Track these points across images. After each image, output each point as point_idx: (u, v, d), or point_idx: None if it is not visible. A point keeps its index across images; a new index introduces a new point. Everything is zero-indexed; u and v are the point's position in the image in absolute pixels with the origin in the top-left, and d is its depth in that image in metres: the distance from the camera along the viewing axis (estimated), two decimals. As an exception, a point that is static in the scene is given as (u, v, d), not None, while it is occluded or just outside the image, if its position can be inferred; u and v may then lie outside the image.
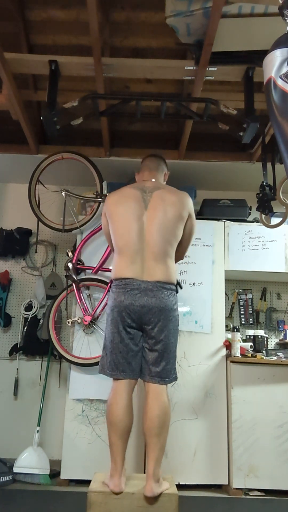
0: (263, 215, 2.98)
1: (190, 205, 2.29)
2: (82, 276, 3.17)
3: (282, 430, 2.90)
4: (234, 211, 3.51)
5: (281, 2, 1.50)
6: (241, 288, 3.76)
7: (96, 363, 2.92)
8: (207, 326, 3.14)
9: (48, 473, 3.00)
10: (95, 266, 3.12)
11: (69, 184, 3.37)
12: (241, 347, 3.09)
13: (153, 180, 2.39)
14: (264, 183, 2.80)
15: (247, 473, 2.82)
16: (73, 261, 3.12)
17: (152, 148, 3.44)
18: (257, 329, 3.60)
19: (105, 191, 3.24)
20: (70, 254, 3.17)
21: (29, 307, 3.63)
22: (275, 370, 2.98)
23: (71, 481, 2.92)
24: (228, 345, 3.10)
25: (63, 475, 2.90)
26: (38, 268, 3.78)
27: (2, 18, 2.58)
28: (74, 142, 3.40)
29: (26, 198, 3.27)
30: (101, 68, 2.48)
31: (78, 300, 3.09)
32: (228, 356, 3.08)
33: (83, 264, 3.19)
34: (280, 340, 3.58)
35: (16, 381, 3.53)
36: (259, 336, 3.32)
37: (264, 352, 3.23)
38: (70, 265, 3.10)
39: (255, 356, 3.06)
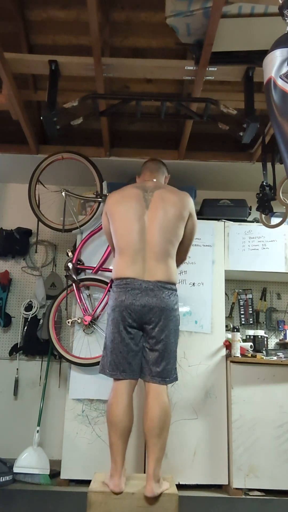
0: (263, 215, 2.98)
1: (190, 205, 2.29)
2: (82, 276, 3.17)
3: (282, 430, 2.90)
4: (234, 211, 3.51)
5: (281, 2, 1.50)
6: (241, 288, 3.76)
7: (96, 363, 2.93)
8: (207, 326, 3.14)
9: (48, 473, 3.00)
10: (95, 266, 3.12)
11: (69, 184, 3.37)
12: (241, 347, 3.09)
13: (154, 180, 2.39)
14: (264, 183, 2.80)
15: (247, 473, 2.82)
16: (73, 261, 3.12)
17: (152, 148, 3.46)
18: (257, 329, 3.60)
19: (105, 191, 3.24)
20: (70, 254, 3.17)
21: (29, 307, 3.63)
22: (275, 370, 2.98)
23: (71, 481, 2.92)
24: (228, 345, 3.10)
25: (63, 475, 2.90)
26: (38, 268, 3.78)
27: (2, 18, 2.58)
28: (74, 142, 3.40)
29: (26, 198, 3.27)
30: (101, 68, 2.48)
31: (78, 300, 3.09)
32: (228, 356, 3.08)
33: (83, 264, 3.19)
34: (280, 340, 3.58)
35: (16, 381, 3.53)
36: (259, 336, 3.32)
37: (264, 352, 3.23)
38: (70, 265, 3.10)
39: (255, 356, 3.06)
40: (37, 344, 3.52)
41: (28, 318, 3.59)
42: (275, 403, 2.93)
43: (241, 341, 3.15)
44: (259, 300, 3.75)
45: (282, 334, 3.59)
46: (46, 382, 3.43)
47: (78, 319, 3.07)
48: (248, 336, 3.38)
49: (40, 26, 2.66)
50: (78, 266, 3.15)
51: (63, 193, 3.24)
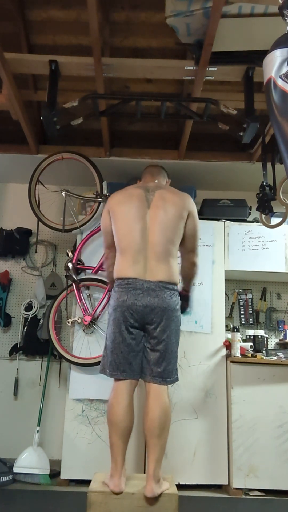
0: (263, 215, 2.98)
1: (190, 204, 2.29)
2: (82, 276, 3.17)
3: (282, 430, 2.90)
4: (234, 211, 3.51)
5: (281, 2, 1.50)
6: (241, 288, 3.76)
7: (96, 363, 2.93)
8: (207, 326, 3.13)
9: (48, 473, 3.00)
10: (95, 266, 3.12)
11: (69, 184, 3.37)
12: (241, 347, 3.09)
13: (156, 182, 2.41)
14: (264, 183, 2.80)
15: (247, 473, 2.82)
16: (73, 261, 3.13)
17: (152, 148, 3.46)
18: (257, 329, 3.60)
19: (105, 191, 3.24)
20: (70, 254, 3.18)
21: (29, 307, 3.63)
22: (275, 370, 2.98)
23: (71, 481, 2.92)
24: (228, 345, 3.10)
25: (63, 475, 2.90)
26: (38, 268, 3.78)
27: (2, 18, 2.58)
28: (74, 142, 3.40)
29: (26, 198, 3.27)
30: (101, 68, 2.48)
31: (78, 300, 3.09)
32: (228, 356, 3.08)
33: (83, 264, 3.19)
34: (280, 340, 3.58)
35: (16, 381, 3.52)
36: (259, 336, 3.32)
37: (264, 352, 3.23)
38: (70, 265, 3.10)
39: (255, 356, 3.06)
40: (37, 344, 3.52)
41: (28, 318, 3.59)
42: (275, 403, 2.93)
43: (241, 341, 3.15)
44: (259, 300, 3.75)
45: (282, 334, 3.59)
46: (46, 382, 3.43)
47: (78, 319, 3.07)
48: (248, 336, 3.38)
49: (40, 26, 2.66)
50: (78, 266, 3.16)
51: (63, 193, 3.24)
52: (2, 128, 3.35)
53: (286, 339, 3.52)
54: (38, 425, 3.22)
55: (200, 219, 2.38)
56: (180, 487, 2.52)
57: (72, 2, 2.52)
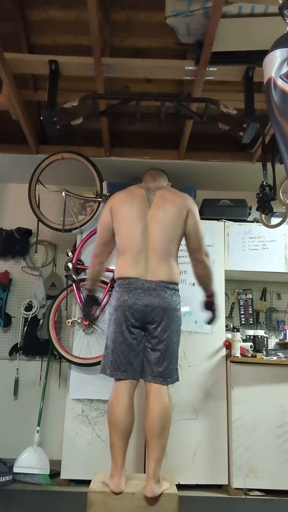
0: (263, 215, 2.98)
1: (190, 203, 2.29)
2: (82, 276, 3.16)
3: (282, 430, 2.90)
4: (234, 211, 3.51)
5: (281, 2, 1.50)
6: (241, 288, 3.76)
7: (96, 363, 2.93)
8: (207, 326, 3.12)
9: (48, 473, 3.00)
10: (95, 266, 3.12)
11: (69, 184, 3.37)
12: (241, 347, 3.09)
13: (157, 183, 2.42)
14: (264, 183, 2.80)
15: (247, 473, 2.82)
16: (73, 261, 3.13)
17: (152, 148, 3.46)
18: (257, 329, 3.60)
19: (105, 191, 3.24)
20: (70, 254, 3.18)
21: (29, 307, 3.63)
22: (275, 370, 2.98)
23: (71, 481, 2.92)
24: (228, 345, 3.10)
25: (63, 475, 2.90)
26: (38, 268, 3.78)
27: (2, 18, 2.58)
28: (74, 142, 3.40)
29: (26, 198, 3.27)
30: (101, 68, 2.48)
31: (78, 300, 3.09)
32: (228, 356, 3.08)
33: (83, 264, 3.19)
34: (280, 340, 3.58)
35: (16, 381, 3.52)
36: (259, 336, 3.32)
37: (264, 352, 3.23)
38: (70, 265, 3.10)
39: (255, 356, 3.06)
40: (37, 344, 3.52)
41: (28, 318, 3.59)
42: (275, 403, 2.93)
43: (241, 341, 3.15)
44: (259, 300, 3.75)
45: (282, 334, 3.59)
46: (46, 382, 3.43)
47: (78, 319, 3.07)
48: (248, 336, 3.38)
49: (40, 26, 2.66)
50: (78, 266, 3.15)
51: (63, 193, 3.24)
52: (2, 128, 3.35)
53: (286, 339, 3.52)
54: (38, 425, 3.22)
55: (200, 219, 2.37)
56: (180, 487, 2.52)
57: (72, 2, 2.52)
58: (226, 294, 3.32)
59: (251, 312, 3.70)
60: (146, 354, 2.11)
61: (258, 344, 3.28)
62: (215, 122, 2.63)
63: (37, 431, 3.18)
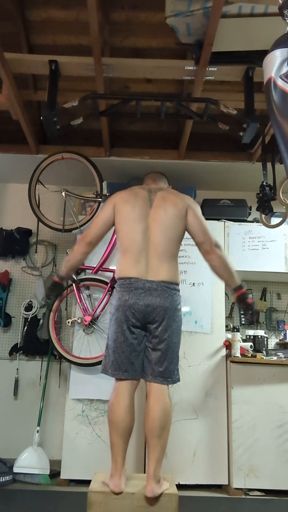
0: (263, 215, 2.98)
1: (189, 201, 2.30)
2: (82, 276, 3.16)
3: (282, 430, 2.90)
4: (234, 211, 3.51)
5: (281, 2, 1.50)
6: (241, 288, 3.75)
7: (96, 363, 2.93)
8: (207, 326, 3.14)
9: (48, 473, 3.00)
10: (95, 266, 3.12)
11: (69, 184, 3.37)
12: (241, 347, 3.09)
13: (157, 185, 2.43)
14: (264, 183, 2.80)
15: (247, 473, 2.82)
16: (73, 261, 3.12)
17: (152, 148, 3.46)
18: (257, 329, 3.60)
19: (105, 191, 3.24)
20: (70, 254, 3.17)
21: (29, 307, 3.63)
22: (275, 370, 2.98)
23: (71, 481, 2.92)
24: (228, 345, 3.10)
25: (63, 475, 2.90)
26: (38, 268, 3.78)
27: (2, 18, 2.58)
28: (74, 142, 3.40)
29: (26, 198, 3.27)
30: (101, 68, 2.48)
31: (78, 300, 3.09)
32: (228, 356, 3.08)
33: (83, 264, 3.18)
34: (280, 340, 3.58)
35: (16, 381, 3.53)
36: (259, 336, 3.32)
37: (264, 352, 3.23)
38: (70, 265, 3.09)
39: (255, 356, 3.06)
40: (37, 344, 3.52)
41: (28, 318, 3.59)
42: (275, 403, 2.93)
43: (241, 341, 3.15)
44: (259, 300, 3.75)
45: (282, 334, 3.59)
46: (46, 382, 3.43)
47: (78, 319, 3.07)
48: (248, 336, 3.38)
49: (40, 26, 2.66)
50: (78, 266, 3.15)
51: (63, 193, 3.24)
52: (2, 128, 3.35)
53: (286, 339, 3.52)
54: (38, 425, 3.22)
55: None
56: (180, 487, 2.52)
57: (72, 2, 2.52)
58: (226, 294, 3.32)
59: (251, 312, 3.69)
60: (147, 354, 2.12)
61: (258, 344, 3.28)
62: (215, 122, 2.63)
63: (37, 431, 3.18)
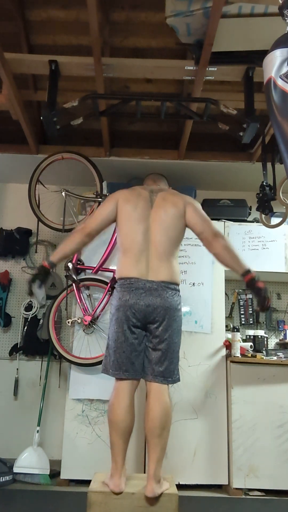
0: (263, 215, 2.98)
1: (188, 199, 2.30)
2: (82, 276, 3.16)
3: (282, 430, 2.90)
4: (234, 211, 3.51)
5: (281, 2, 1.50)
6: (241, 288, 3.76)
7: (96, 363, 2.93)
8: (207, 326, 3.13)
9: (48, 473, 3.00)
10: (95, 266, 3.12)
11: (69, 184, 3.37)
12: (241, 347, 3.09)
13: (158, 186, 2.44)
14: (264, 183, 2.80)
15: (247, 473, 2.82)
16: (73, 261, 3.12)
17: (152, 148, 3.46)
18: (257, 329, 3.60)
19: (105, 191, 3.24)
20: (70, 254, 3.17)
21: (29, 307, 3.63)
22: (275, 370, 2.98)
23: (71, 481, 2.92)
24: (228, 345, 3.10)
25: (63, 475, 2.90)
26: (38, 268, 3.78)
27: (2, 18, 2.58)
28: (74, 142, 3.40)
29: (26, 198, 3.27)
30: (101, 68, 2.48)
31: (78, 300, 3.09)
32: (228, 356, 3.08)
33: (83, 264, 3.19)
34: (280, 340, 3.58)
35: (16, 381, 3.53)
36: (259, 336, 3.32)
37: (264, 352, 3.23)
38: (70, 265, 3.09)
39: (255, 356, 3.06)
40: (37, 344, 3.52)
41: (28, 318, 3.59)
42: (275, 403, 2.93)
43: (241, 341, 3.15)
44: (259, 300, 3.74)
45: (282, 334, 3.59)
46: (46, 382, 3.43)
47: (78, 319, 3.07)
48: (248, 336, 3.38)
49: (40, 26, 2.66)
50: (78, 266, 3.15)
51: (63, 193, 3.24)
52: (2, 128, 3.35)
53: (286, 339, 3.52)
54: (38, 425, 3.22)
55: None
56: (180, 487, 2.52)
57: (72, 2, 2.52)
58: (226, 294, 3.32)
59: (251, 312, 3.70)
60: (147, 354, 2.12)
61: (258, 344, 3.28)
62: (215, 122, 2.63)
63: (37, 431, 3.18)
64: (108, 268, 3.11)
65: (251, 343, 3.25)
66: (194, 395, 3.02)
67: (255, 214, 3.31)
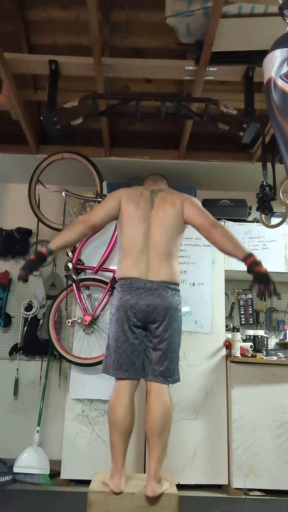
0: (263, 215, 2.98)
1: (186, 196, 2.30)
2: (82, 276, 3.16)
3: (282, 430, 2.90)
4: (234, 211, 3.51)
5: (281, 2, 1.50)
6: (241, 288, 3.76)
7: (96, 363, 2.93)
8: (207, 326, 3.13)
9: (48, 473, 2.99)
10: (95, 266, 3.12)
11: (69, 184, 3.37)
12: (241, 347, 3.09)
13: (158, 186, 2.44)
14: (264, 183, 2.80)
15: (247, 473, 2.82)
16: (73, 261, 3.12)
17: (152, 148, 3.46)
18: (257, 329, 3.60)
19: (105, 191, 3.24)
20: (70, 254, 3.17)
21: (29, 307, 3.63)
22: (275, 370, 2.98)
23: (71, 481, 2.92)
24: (228, 345, 3.10)
25: (63, 475, 2.90)
26: (38, 268, 3.78)
27: (2, 18, 2.58)
28: (74, 142, 3.40)
29: (26, 198, 3.27)
30: (101, 68, 2.48)
31: (78, 300, 3.09)
32: (228, 356, 3.07)
33: (83, 264, 3.19)
34: (280, 340, 3.58)
35: (16, 381, 3.53)
36: (259, 336, 3.32)
37: (264, 352, 3.23)
38: (70, 265, 3.09)
39: (255, 356, 3.06)
40: (37, 344, 3.52)
41: (28, 318, 3.59)
42: (275, 403, 2.93)
43: (241, 341, 3.15)
44: (259, 300, 3.75)
45: (282, 334, 3.59)
46: (46, 382, 3.43)
47: (78, 319, 3.07)
48: (248, 336, 3.38)
49: (40, 26, 2.66)
50: (78, 266, 3.15)
51: (63, 193, 3.24)
52: (2, 128, 3.35)
53: (286, 339, 3.52)
54: (38, 425, 3.22)
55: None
56: (180, 487, 2.52)
57: (72, 2, 2.52)
58: (226, 294, 3.32)
59: (251, 312, 3.70)
60: (148, 354, 2.12)
61: (258, 344, 3.28)
62: (215, 122, 2.63)
63: (37, 431, 3.18)
64: (108, 268, 3.11)
65: (251, 343, 3.25)
66: (194, 395, 3.02)
67: (255, 214, 3.31)
